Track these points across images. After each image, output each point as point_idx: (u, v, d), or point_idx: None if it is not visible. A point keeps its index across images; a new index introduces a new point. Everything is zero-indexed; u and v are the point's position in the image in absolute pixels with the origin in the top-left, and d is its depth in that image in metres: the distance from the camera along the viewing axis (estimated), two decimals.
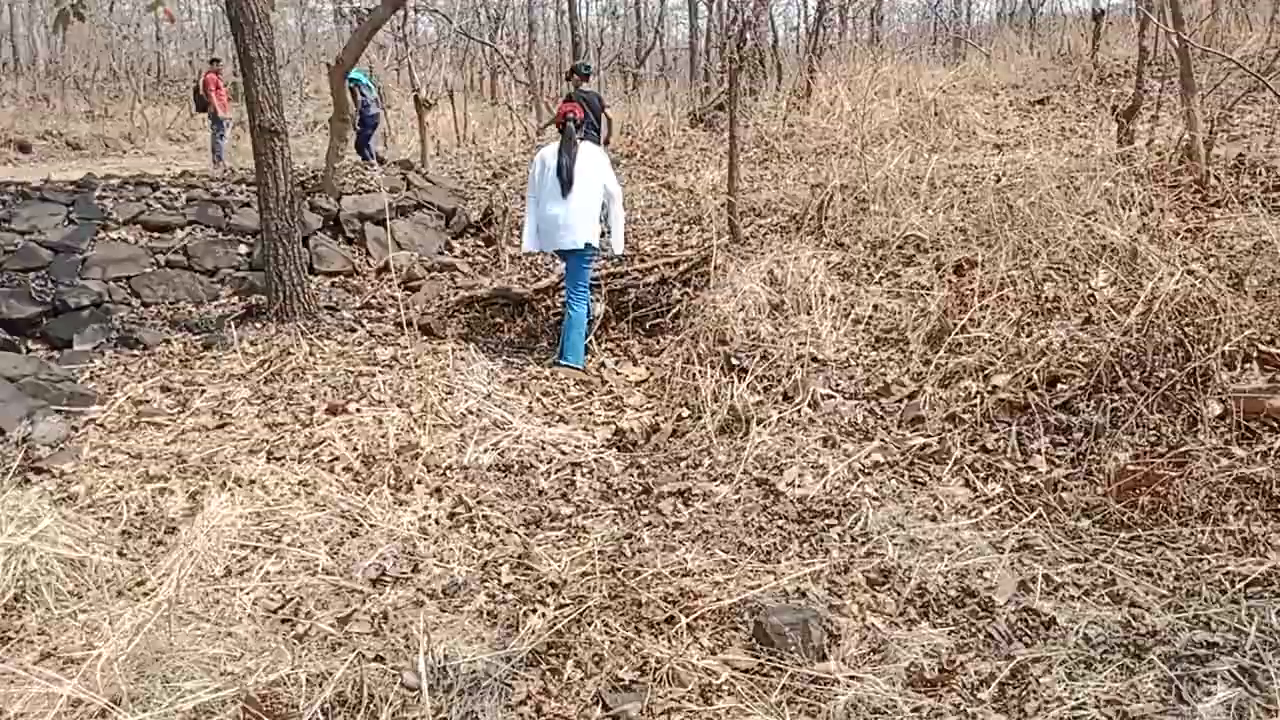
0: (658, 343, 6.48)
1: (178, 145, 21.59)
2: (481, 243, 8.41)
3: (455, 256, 8.01)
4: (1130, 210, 5.59)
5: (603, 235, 6.29)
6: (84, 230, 6.90)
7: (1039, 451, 3.79)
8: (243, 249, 7.31)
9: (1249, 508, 3.18)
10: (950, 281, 5.24)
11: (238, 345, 5.78)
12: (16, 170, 18.33)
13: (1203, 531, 3.13)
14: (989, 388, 4.20)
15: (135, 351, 6.02)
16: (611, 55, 25.35)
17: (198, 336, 6.21)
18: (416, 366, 5.37)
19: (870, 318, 5.31)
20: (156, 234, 7.15)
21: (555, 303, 6.90)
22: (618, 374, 6.18)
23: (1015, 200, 6.20)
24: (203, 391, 5.10)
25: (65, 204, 7.09)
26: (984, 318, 4.86)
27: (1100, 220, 5.58)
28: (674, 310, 6.56)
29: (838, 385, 4.60)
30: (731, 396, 4.62)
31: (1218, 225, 5.49)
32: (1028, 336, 4.57)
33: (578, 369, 6.00)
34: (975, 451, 3.88)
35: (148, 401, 5.06)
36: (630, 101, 15.13)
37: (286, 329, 6.12)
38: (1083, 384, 4.03)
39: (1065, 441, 3.80)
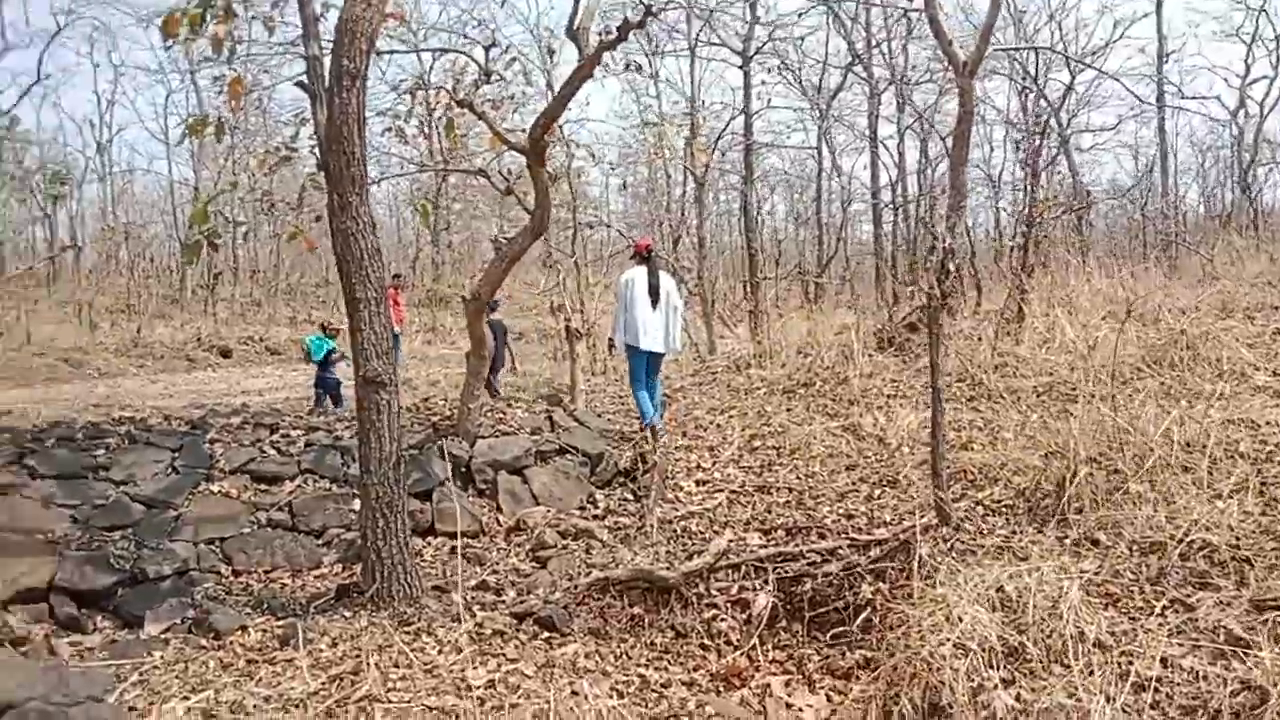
0: (842, 657, 4.99)
1: None
2: (629, 496, 7.20)
3: (595, 516, 6.80)
4: None
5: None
6: (185, 481, 6.17)
7: None
8: (357, 504, 6.37)
9: None
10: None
11: (313, 647, 4.72)
12: (213, 375, 19.10)
13: None
14: None
15: (204, 642, 5.07)
16: (792, 263, 24.70)
17: (280, 622, 5.20)
18: (513, 706, 4.07)
19: (1159, 682, 3.61)
20: (264, 486, 6.34)
21: (708, 590, 5.54)
22: (788, 706, 4.69)
23: None
24: None
25: (171, 449, 6.42)
26: None
27: None
28: (863, 614, 5.07)
29: None
30: None
31: None
32: None
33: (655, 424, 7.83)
34: None
35: None
36: (812, 316, 13.97)
37: (379, 620, 5.04)
38: None
39: None
